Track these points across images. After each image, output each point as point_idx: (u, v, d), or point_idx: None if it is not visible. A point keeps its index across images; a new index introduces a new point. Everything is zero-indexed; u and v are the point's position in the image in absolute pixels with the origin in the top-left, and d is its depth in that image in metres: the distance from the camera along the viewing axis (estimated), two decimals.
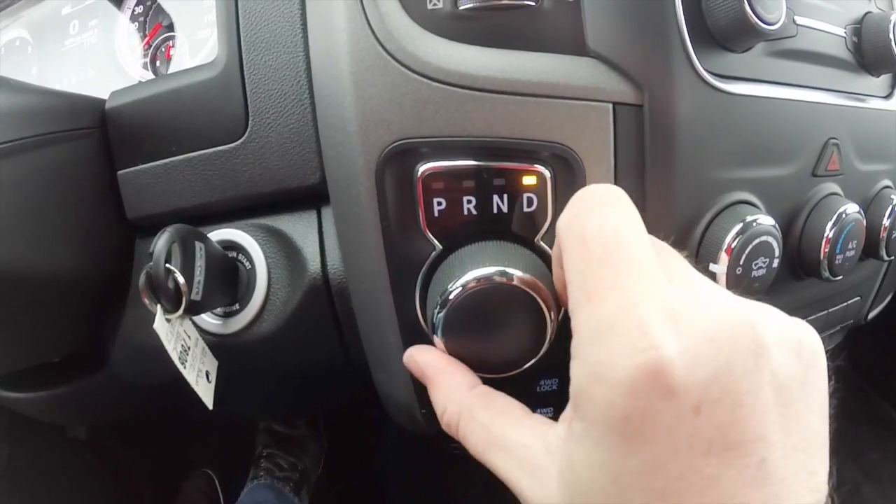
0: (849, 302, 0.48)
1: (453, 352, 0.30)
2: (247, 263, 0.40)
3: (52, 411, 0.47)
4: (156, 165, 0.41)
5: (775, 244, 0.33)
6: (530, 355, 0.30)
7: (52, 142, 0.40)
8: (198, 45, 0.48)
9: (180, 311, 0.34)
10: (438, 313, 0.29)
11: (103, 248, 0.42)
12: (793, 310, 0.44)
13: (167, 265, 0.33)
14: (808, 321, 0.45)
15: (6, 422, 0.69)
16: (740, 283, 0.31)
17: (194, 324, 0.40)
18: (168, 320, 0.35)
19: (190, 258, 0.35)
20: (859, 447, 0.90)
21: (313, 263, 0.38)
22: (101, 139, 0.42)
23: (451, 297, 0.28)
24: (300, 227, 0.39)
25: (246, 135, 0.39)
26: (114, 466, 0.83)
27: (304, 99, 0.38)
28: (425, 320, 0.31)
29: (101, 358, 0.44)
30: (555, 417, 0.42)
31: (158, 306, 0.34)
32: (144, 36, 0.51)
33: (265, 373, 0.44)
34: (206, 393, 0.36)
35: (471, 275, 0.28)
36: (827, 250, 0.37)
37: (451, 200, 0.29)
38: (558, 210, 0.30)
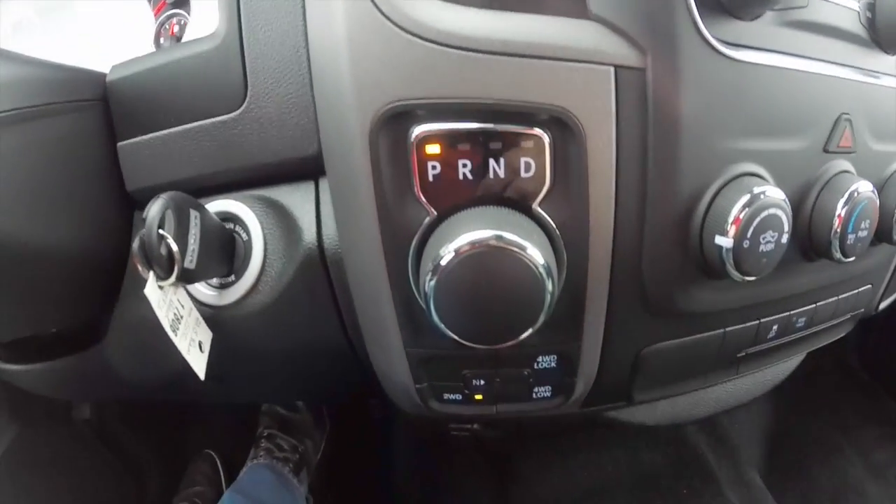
0: (860, 289, 0.46)
1: (447, 322, 0.29)
2: (244, 235, 0.39)
3: (50, 384, 0.47)
4: (154, 137, 0.40)
5: (785, 218, 0.31)
6: (526, 325, 0.29)
7: (52, 113, 0.39)
8: (203, 20, 0.48)
9: (173, 279, 0.33)
10: (430, 281, 0.27)
11: (102, 221, 0.42)
12: (802, 294, 0.43)
13: (160, 231, 0.33)
14: (818, 307, 0.44)
15: (11, 404, 0.69)
16: (748, 257, 0.30)
17: (189, 294, 0.39)
18: (161, 287, 0.34)
19: (184, 225, 0.34)
20: (866, 446, 0.87)
21: (309, 234, 0.37)
22: (101, 112, 0.42)
23: (442, 262, 0.27)
24: (297, 198, 0.38)
25: (244, 105, 0.38)
26: (119, 449, 0.83)
27: (302, 68, 0.37)
28: (419, 291, 0.30)
29: (99, 331, 0.43)
30: (553, 398, 0.41)
31: (151, 273, 0.33)
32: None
33: (263, 354, 0.43)
34: (197, 362, 0.35)
35: (464, 239, 0.27)
36: (839, 229, 0.35)
37: (446, 165, 0.28)
38: (557, 176, 0.29)
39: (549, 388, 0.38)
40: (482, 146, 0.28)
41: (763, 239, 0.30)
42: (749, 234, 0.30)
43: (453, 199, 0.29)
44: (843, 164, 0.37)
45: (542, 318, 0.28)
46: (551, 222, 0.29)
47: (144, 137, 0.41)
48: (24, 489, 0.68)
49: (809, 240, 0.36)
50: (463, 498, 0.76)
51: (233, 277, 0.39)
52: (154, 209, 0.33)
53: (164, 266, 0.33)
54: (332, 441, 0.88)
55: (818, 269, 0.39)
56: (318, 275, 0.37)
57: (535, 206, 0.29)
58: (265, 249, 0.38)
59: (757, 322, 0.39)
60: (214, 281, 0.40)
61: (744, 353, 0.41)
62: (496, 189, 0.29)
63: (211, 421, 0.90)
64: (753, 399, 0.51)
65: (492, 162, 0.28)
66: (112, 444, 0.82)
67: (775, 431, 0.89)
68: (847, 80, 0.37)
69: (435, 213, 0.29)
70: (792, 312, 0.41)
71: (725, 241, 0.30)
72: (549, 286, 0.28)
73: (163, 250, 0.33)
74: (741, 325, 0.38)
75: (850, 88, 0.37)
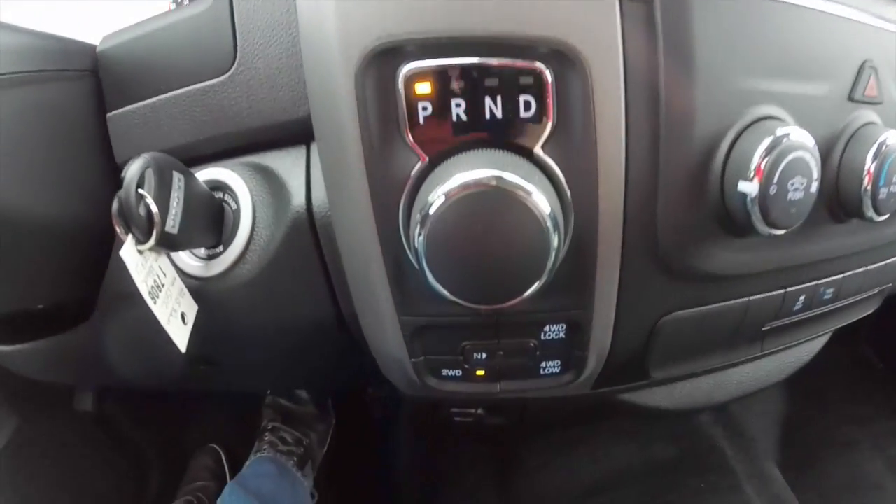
0: (888, 260, 0.41)
1: (441, 279, 0.25)
2: (233, 204, 0.37)
3: (40, 365, 0.44)
4: (143, 105, 0.38)
5: (813, 164, 0.27)
6: (530, 281, 0.25)
7: (41, 80, 0.37)
8: None
9: (152, 242, 0.30)
10: (420, 231, 0.24)
11: (90, 194, 0.39)
12: (830, 261, 0.38)
13: (139, 190, 0.30)
14: (845, 277, 0.40)
15: (11, 396, 0.67)
16: (776, 205, 0.26)
17: (174, 264, 0.37)
18: (140, 252, 0.31)
19: (166, 187, 0.31)
20: (884, 440, 0.82)
21: (297, 197, 0.34)
22: (91, 84, 0.40)
23: (432, 209, 0.24)
24: (287, 162, 0.35)
25: (234, 67, 0.35)
26: (121, 442, 0.80)
27: (292, 27, 0.34)
28: (410, 247, 0.27)
29: (86, 309, 0.40)
30: (562, 374, 0.37)
31: (130, 236, 0.31)
32: None
33: (253, 331, 0.40)
34: (178, 334, 0.32)
35: (456, 180, 0.23)
36: (869, 184, 0.32)
37: (437, 105, 0.25)
38: (561, 116, 0.26)
39: (558, 362, 0.33)
40: (477, 84, 0.24)
41: (791, 185, 0.26)
42: (776, 179, 0.26)
43: (446, 142, 0.25)
44: (870, 114, 0.33)
45: (547, 273, 0.25)
46: (556, 168, 0.25)
47: (133, 106, 0.38)
48: (25, 481, 0.65)
49: (838, 197, 0.32)
50: (465, 491, 0.71)
51: (221, 248, 0.36)
52: (133, 167, 0.30)
53: (144, 228, 0.30)
54: (335, 435, 0.85)
55: (847, 233, 0.35)
56: (307, 241, 0.34)
57: (538, 150, 0.25)
58: (254, 218, 0.35)
59: (783, 291, 0.35)
60: (202, 252, 0.37)
61: (769, 327, 0.36)
62: (493, 131, 0.25)
63: (215, 414, 0.87)
64: (775, 384, 0.47)
65: (488, 101, 0.25)
66: (114, 437, 0.79)
67: (790, 424, 0.83)
68: (870, 27, 0.33)
69: (426, 158, 0.25)
70: (819, 282, 0.36)
71: (750, 188, 0.26)
72: (555, 239, 0.24)
73: (142, 211, 0.30)
74: (766, 294, 0.34)
75: (874, 36, 0.34)
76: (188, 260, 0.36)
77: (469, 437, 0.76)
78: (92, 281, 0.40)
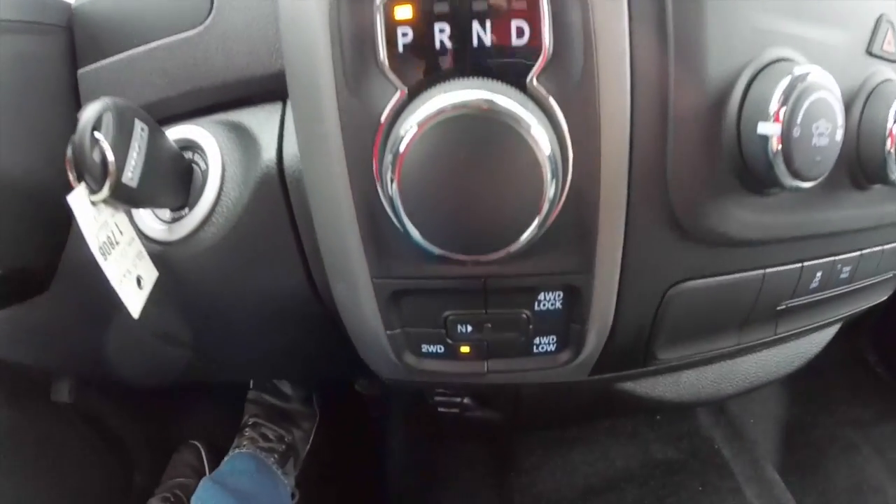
0: None
1: (419, 222, 0.21)
2: (202, 164, 0.33)
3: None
4: (116, 60, 0.34)
5: (837, 108, 0.24)
6: (520, 227, 0.21)
7: (14, 29, 0.34)
8: None
9: (105, 192, 0.27)
10: (393, 165, 0.20)
11: (56, 153, 0.35)
12: (848, 233, 0.34)
13: (95, 134, 0.27)
14: (863, 255, 0.36)
15: None
16: (800, 150, 0.22)
17: (138, 229, 0.33)
18: (93, 204, 0.28)
19: (125, 134, 0.28)
20: (883, 444, 0.78)
21: (268, 151, 0.30)
22: (64, 39, 0.36)
23: (408, 136, 0.20)
24: (261, 118, 0.32)
25: (209, 19, 0.32)
26: (106, 436, 0.75)
27: None
28: (385, 193, 0.23)
29: (46, 277, 0.37)
30: (558, 352, 0.30)
31: (82, 184, 0.27)
32: None
33: (220, 303, 0.36)
34: (131, 297, 0.28)
35: (436, 103, 0.20)
36: (892, 147, 0.28)
37: (419, 31, 0.21)
38: (558, 44, 0.22)
39: (554, 338, 0.29)
40: (463, 6, 0.21)
41: (816, 129, 0.23)
42: (799, 121, 0.22)
43: (428, 74, 0.21)
44: (889, 71, 0.30)
45: (541, 219, 0.21)
46: (552, 102, 0.22)
47: (105, 62, 0.35)
48: (6, 472, 0.60)
49: (858, 159, 0.29)
50: (461, 492, 0.66)
51: (186, 210, 0.33)
52: (90, 108, 0.27)
53: (98, 177, 0.27)
54: (323, 433, 0.80)
55: (867, 202, 0.31)
56: (277, 199, 0.30)
57: (532, 81, 0.21)
58: (223, 177, 0.31)
59: (800, 265, 0.31)
60: (167, 215, 0.33)
61: (784, 307, 0.32)
62: (481, 60, 0.21)
63: (201, 410, 0.82)
64: (776, 385, 0.43)
65: (475, 26, 0.21)
66: (99, 431, 0.74)
67: (790, 427, 0.79)
68: None
69: (405, 89, 0.21)
70: (836, 258, 0.33)
71: (771, 129, 0.22)
72: (552, 177, 0.20)
73: (96, 157, 0.27)
74: (783, 267, 0.30)
75: None
76: (151, 223, 0.32)
77: (464, 436, 0.71)
78: (53, 248, 0.36)
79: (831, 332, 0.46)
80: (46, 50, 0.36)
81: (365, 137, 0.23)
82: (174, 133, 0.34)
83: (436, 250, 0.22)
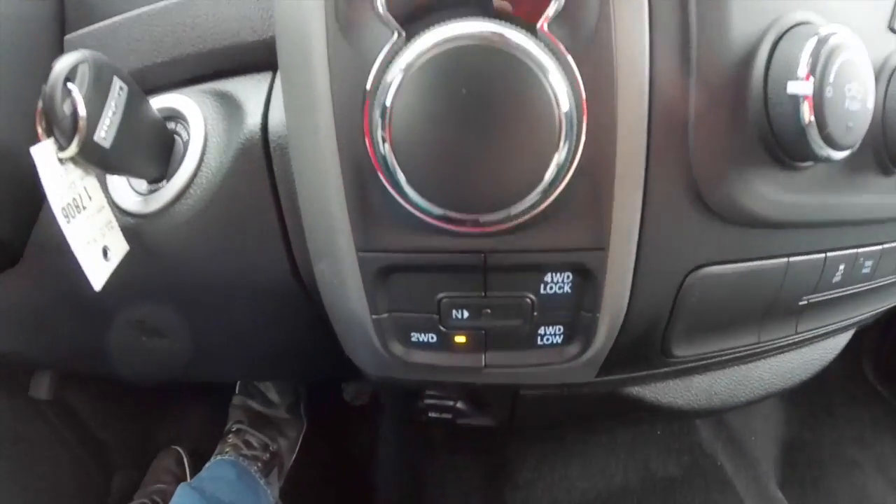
0: None
1: (414, 176, 0.18)
2: (184, 135, 0.30)
3: None
4: (103, 26, 0.32)
5: (868, 72, 0.21)
6: (528, 183, 0.18)
7: None
8: None
9: (73, 148, 0.24)
10: (383, 121, 0.18)
11: (34, 120, 0.33)
12: (872, 225, 0.28)
13: (67, 84, 0.24)
14: (883, 250, 0.33)
15: None
16: (833, 112, 0.20)
17: (109, 198, 0.29)
18: (61, 162, 0.24)
19: (102, 89, 0.25)
20: (885, 461, 0.74)
21: (253, 117, 0.27)
22: (55, 5, 0.34)
23: (397, 82, 0.17)
24: (249, 86, 0.29)
25: None
26: (85, 437, 0.70)
27: None
28: (374, 141, 0.19)
29: (14, 252, 0.33)
30: (565, 345, 0.26)
31: (51, 139, 0.24)
32: None
33: (196, 284, 0.32)
34: (94, 267, 0.24)
35: (430, 39, 0.17)
36: None
37: None
38: None
39: (560, 328, 0.25)
40: None
41: (848, 91, 0.20)
42: (832, 79, 0.19)
43: (429, 10, 0.18)
44: None
45: (552, 175, 0.18)
46: (564, 51, 0.19)
47: (93, 27, 0.32)
48: None
49: (885, 140, 0.26)
50: None
51: (164, 183, 0.30)
52: (65, 59, 0.24)
53: (67, 130, 0.24)
54: (309, 443, 0.74)
55: (891, 189, 0.28)
56: (259, 167, 0.27)
57: (543, 26, 0.18)
58: (204, 146, 0.28)
59: (823, 256, 0.28)
60: (143, 187, 0.30)
61: (806, 302, 0.29)
62: (486, 3, 0.18)
63: (184, 414, 0.76)
64: (800, 382, 0.39)
65: None
66: (77, 431, 0.69)
67: (791, 444, 0.75)
68: None
69: (402, 31, 0.19)
70: (859, 250, 0.30)
71: (803, 87, 0.19)
72: (566, 125, 0.18)
73: (66, 109, 0.24)
74: (806, 256, 0.27)
75: None
76: (125, 194, 0.29)
77: (456, 448, 0.66)
78: (26, 218, 0.33)
79: (844, 339, 0.43)
80: (35, 14, 0.33)
81: (356, 88, 0.20)
82: (158, 102, 0.31)
83: (432, 209, 0.19)
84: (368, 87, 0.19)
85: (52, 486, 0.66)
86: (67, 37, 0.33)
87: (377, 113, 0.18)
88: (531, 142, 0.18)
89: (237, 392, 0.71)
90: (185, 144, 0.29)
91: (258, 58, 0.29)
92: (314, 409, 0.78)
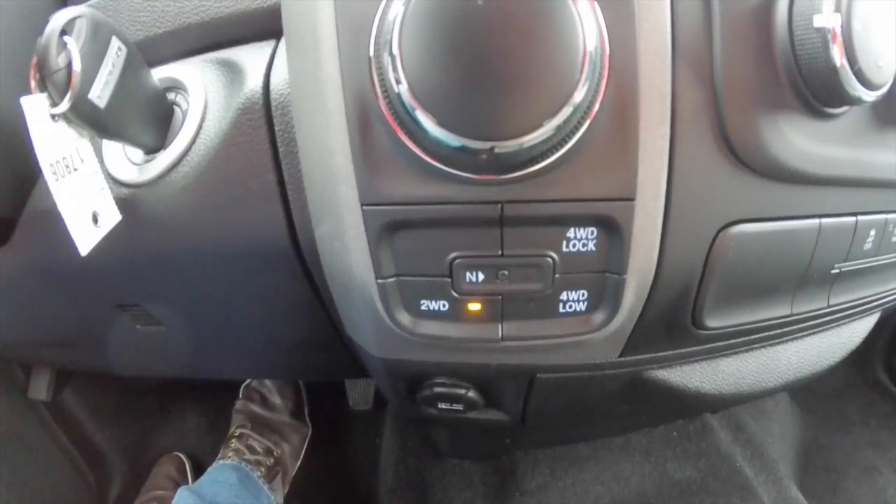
0: None
1: (431, 108, 0.16)
2: (184, 105, 0.29)
3: None
4: None
5: (893, 9, 0.20)
6: (549, 105, 0.16)
7: None
8: None
9: (66, 102, 0.22)
10: (390, 49, 0.16)
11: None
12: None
13: (63, 37, 0.22)
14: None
15: None
16: (862, 46, 0.17)
17: (105, 170, 0.27)
18: (53, 119, 0.23)
19: (99, 48, 0.23)
20: None
21: (254, 79, 0.25)
22: None
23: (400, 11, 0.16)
24: (252, 53, 0.27)
25: None
26: (82, 440, 0.67)
27: None
28: (384, 81, 0.18)
29: (8, 227, 0.31)
30: (589, 311, 0.23)
31: (44, 94, 0.22)
32: None
33: (195, 259, 0.30)
34: (82, 233, 0.22)
35: None
36: None
37: None
38: None
39: (584, 293, 0.23)
40: None
41: (876, 26, 0.19)
42: (857, 12, 0.18)
43: None
44: None
45: (579, 100, 0.16)
46: None
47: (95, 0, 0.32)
48: None
49: None
50: None
51: (162, 152, 0.28)
52: (62, 13, 0.22)
53: (61, 84, 0.22)
54: (313, 451, 0.71)
55: None
56: (259, 127, 0.25)
57: None
58: (204, 112, 0.26)
59: (854, 219, 0.26)
60: (139, 158, 0.28)
61: (838, 270, 0.27)
62: None
63: (185, 420, 0.73)
64: (829, 367, 0.37)
65: None
66: (74, 435, 0.66)
67: (808, 448, 0.72)
68: None
69: None
70: (889, 216, 0.28)
71: (829, 20, 0.17)
72: (591, 63, 0.16)
73: (61, 61, 0.22)
74: (838, 219, 0.25)
75: None
76: (121, 164, 0.27)
77: (463, 452, 0.63)
78: (16, 197, 0.31)
79: (869, 323, 0.40)
80: None
81: (362, 25, 0.18)
82: (159, 73, 0.29)
83: (450, 140, 0.17)
84: (376, 21, 0.18)
85: (49, 490, 0.63)
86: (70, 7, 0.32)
87: (384, 53, 0.17)
88: (551, 71, 0.16)
89: (240, 396, 0.68)
90: (185, 113, 0.28)
91: (262, 26, 0.28)
92: (317, 415, 0.74)
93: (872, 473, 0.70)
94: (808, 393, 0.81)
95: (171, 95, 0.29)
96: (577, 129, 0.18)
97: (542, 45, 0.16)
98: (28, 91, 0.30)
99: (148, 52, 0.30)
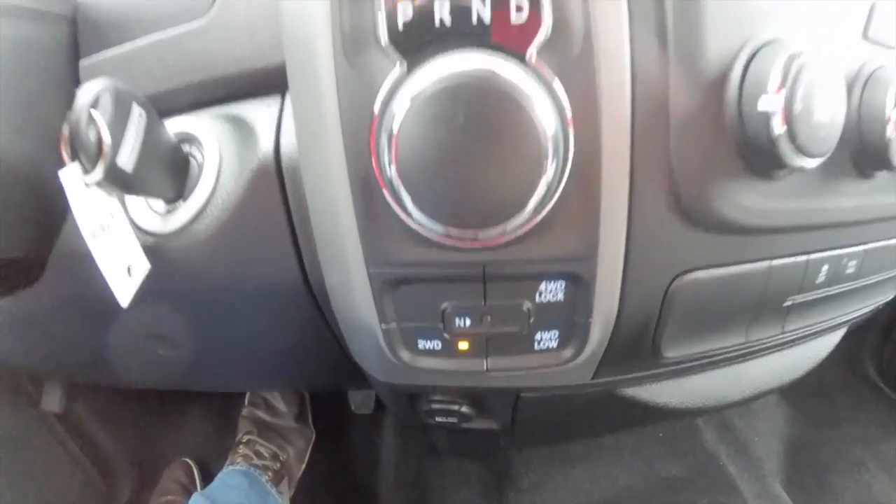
0: None
1: (415, 191, 0.20)
2: (199, 157, 0.32)
3: None
4: (118, 53, 0.34)
5: (838, 85, 0.22)
6: (521, 199, 0.20)
7: (18, 15, 0.34)
8: None
9: (99, 172, 0.26)
10: (389, 145, 0.19)
11: (55, 142, 0.35)
12: (853, 226, 0.30)
13: (92, 111, 0.26)
14: (866, 251, 0.34)
15: None
16: (802, 124, 0.21)
17: (129, 218, 0.31)
18: (87, 186, 0.26)
19: (123, 116, 0.27)
20: (889, 460, 0.76)
21: (266, 141, 0.29)
22: (68, 28, 0.36)
23: (402, 113, 0.19)
24: (260, 110, 0.31)
25: (212, 10, 0.32)
26: (91, 447, 0.71)
27: None
28: (380, 164, 0.21)
29: (35, 270, 0.35)
30: (561, 348, 0.27)
31: (76, 162, 0.26)
32: None
33: (215, 298, 0.34)
34: (121, 286, 0.26)
35: (431, 74, 0.19)
36: (893, 133, 0.27)
37: (419, 7, 0.21)
38: (558, 15, 0.21)
39: (556, 333, 0.27)
40: None
41: (818, 104, 0.22)
42: (800, 95, 0.21)
43: (427, 46, 0.20)
44: (884, 58, 0.29)
45: (543, 192, 0.20)
46: (550, 78, 0.20)
47: (107, 54, 0.34)
48: None
49: (861, 145, 0.28)
50: None
51: (181, 202, 0.31)
52: (88, 87, 0.26)
53: (92, 156, 0.26)
54: (318, 454, 0.75)
55: (871, 191, 0.29)
56: (272, 188, 0.29)
57: (531, 55, 0.20)
58: (219, 168, 0.30)
59: (805, 258, 0.30)
60: (160, 207, 0.32)
61: (791, 302, 0.31)
62: (481, 36, 0.20)
63: (193, 427, 0.78)
64: (795, 380, 0.40)
65: (475, 2, 0.21)
66: (84, 444, 0.71)
67: (795, 445, 0.76)
68: None
69: (404, 62, 0.20)
70: (842, 251, 0.31)
71: (772, 103, 0.21)
72: (552, 148, 0.19)
73: (91, 135, 0.26)
74: (789, 259, 0.28)
75: None
76: (145, 213, 0.31)
77: (460, 453, 0.67)
78: (46, 238, 0.34)
79: (837, 336, 0.44)
80: (50, 38, 0.35)
81: (363, 113, 0.22)
82: (172, 125, 0.33)
83: (435, 227, 0.20)
84: (376, 112, 0.21)
85: (62, 498, 0.67)
86: (83, 62, 0.35)
87: (384, 138, 0.20)
88: (521, 164, 0.19)
89: (246, 403, 0.73)
90: (200, 166, 0.31)
91: (268, 82, 0.31)
92: (320, 419, 0.79)
93: (859, 468, 0.74)
94: (798, 390, 0.85)
95: (185, 146, 0.32)
96: (546, 204, 0.21)
97: (511, 147, 0.19)
98: (41, 143, 0.34)
99: (158, 104, 0.33)
